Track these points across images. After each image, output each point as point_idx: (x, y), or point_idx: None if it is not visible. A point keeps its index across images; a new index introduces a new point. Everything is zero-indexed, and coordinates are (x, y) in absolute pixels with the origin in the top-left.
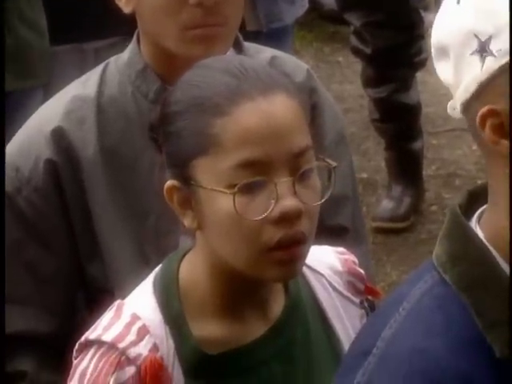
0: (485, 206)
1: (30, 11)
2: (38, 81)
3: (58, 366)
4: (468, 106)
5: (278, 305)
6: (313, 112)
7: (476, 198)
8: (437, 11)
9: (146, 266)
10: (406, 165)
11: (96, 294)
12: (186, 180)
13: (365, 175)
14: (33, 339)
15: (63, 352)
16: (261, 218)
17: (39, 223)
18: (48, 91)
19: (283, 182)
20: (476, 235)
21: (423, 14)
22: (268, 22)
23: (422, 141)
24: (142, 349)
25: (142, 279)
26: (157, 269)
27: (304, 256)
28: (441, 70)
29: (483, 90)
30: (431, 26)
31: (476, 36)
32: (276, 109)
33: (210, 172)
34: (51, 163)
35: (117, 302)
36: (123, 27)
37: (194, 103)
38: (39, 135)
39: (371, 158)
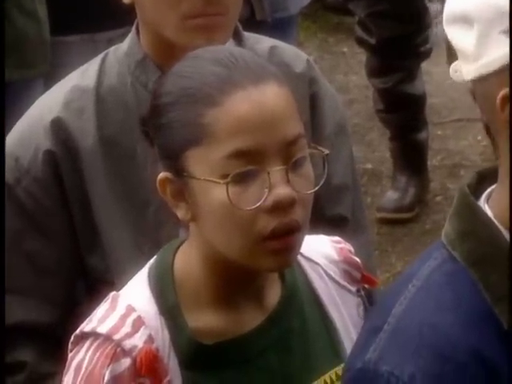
0: (493, 186)
1: (29, 1)
2: (37, 71)
3: (58, 356)
4: (486, 80)
5: (274, 294)
6: (312, 102)
7: (484, 178)
8: (442, 1)
9: (145, 256)
10: (410, 155)
11: (96, 285)
12: (179, 171)
13: (369, 166)
14: (33, 330)
15: (63, 343)
16: (254, 207)
17: (39, 214)
18: (54, 83)
19: (276, 171)
20: (484, 213)
21: (428, 4)
22: (273, 12)
23: (427, 131)
24: (138, 340)
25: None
26: (152, 260)
27: (299, 245)
28: (456, 36)
29: (505, 70)
30: (436, 17)
31: (508, 16)
32: (267, 98)
33: (202, 162)
34: (50, 154)
35: (111, 294)
36: (135, 17)
37: (185, 94)
38: (39, 125)
39: (376, 148)
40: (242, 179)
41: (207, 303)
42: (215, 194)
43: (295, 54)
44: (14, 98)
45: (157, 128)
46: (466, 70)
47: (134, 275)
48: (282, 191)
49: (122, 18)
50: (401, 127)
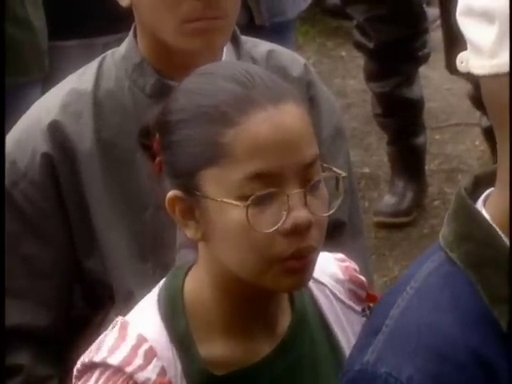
0: (491, 189)
1: (20, 9)
2: (30, 78)
3: (54, 359)
4: (496, 78)
5: (284, 319)
6: (309, 106)
7: (481, 182)
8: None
9: (143, 259)
10: (408, 160)
11: (93, 288)
12: (191, 190)
13: (367, 170)
14: (29, 333)
15: (59, 346)
16: (272, 230)
17: (36, 217)
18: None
19: (295, 194)
20: (482, 216)
21: (426, 8)
22: (270, 17)
23: (425, 136)
24: (151, 373)
25: (140, 274)
26: (160, 284)
27: (313, 265)
28: (472, 29)
29: None
30: (434, 21)
31: None
32: (287, 118)
33: (219, 183)
34: (48, 157)
35: (120, 320)
36: (132, 22)
37: (200, 112)
38: (36, 129)
39: (374, 152)
40: (260, 201)
41: (219, 330)
42: (232, 214)
43: (292, 58)
44: (8, 106)
45: (167, 145)
46: (477, 64)
47: (131, 279)
48: (300, 214)
49: (119, 23)
50: (399, 131)
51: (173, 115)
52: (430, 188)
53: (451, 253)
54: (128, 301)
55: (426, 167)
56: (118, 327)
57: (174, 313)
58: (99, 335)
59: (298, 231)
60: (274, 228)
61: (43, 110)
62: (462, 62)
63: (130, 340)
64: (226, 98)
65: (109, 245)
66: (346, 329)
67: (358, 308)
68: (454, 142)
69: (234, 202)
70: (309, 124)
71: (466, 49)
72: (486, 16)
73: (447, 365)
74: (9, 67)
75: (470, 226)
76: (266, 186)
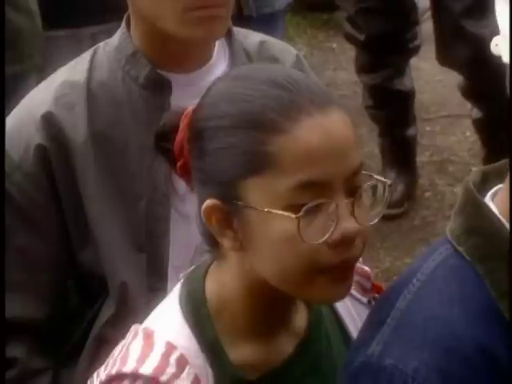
0: (500, 185)
1: None
2: (30, 65)
3: (49, 352)
4: None
5: (301, 317)
6: None
7: (490, 176)
8: None
9: (137, 250)
10: (399, 151)
11: (87, 280)
12: (230, 199)
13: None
14: (24, 326)
15: (54, 338)
16: (322, 241)
17: (29, 209)
18: (43, 77)
19: (344, 204)
20: (491, 210)
21: (417, 0)
22: (257, 8)
23: (416, 127)
24: (185, 381)
25: (134, 265)
26: (179, 289)
27: (353, 275)
28: (500, 12)
29: None
30: (425, 13)
31: None
32: (335, 126)
33: (264, 192)
34: (41, 148)
35: (141, 329)
36: (120, 12)
37: (245, 119)
38: (29, 120)
39: (365, 144)
40: (311, 212)
41: (243, 332)
42: (279, 225)
43: (284, 49)
44: (7, 93)
45: (201, 152)
46: (504, 50)
47: (124, 270)
48: (349, 225)
49: (107, 14)
50: (390, 123)
51: (211, 121)
52: (420, 179)
53: (459, 246)
54: (122, 293)
55: (417, 159)
56: (141, 336)
57: (200, 318)
58: (93, 328)
59: (346, 242)
60: (323, 239)
61: (35, 102)
62: (496, 45)
63: (159, 348)
64: (271, 105)
65: (103, 236)
66: (356, 320)
67: (364, 299)
68: (444, 134)
69: (282, 213)
70: (353, 130)
71: (456, 41)
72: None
73: (453, 358)
74: (12, 54)
75: (478, 219)
76: (316, 195)
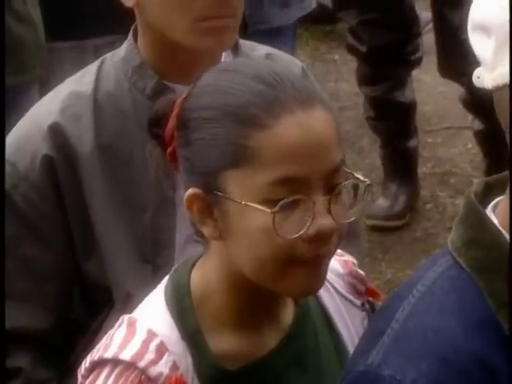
0: (501, 197)
1: (21, 6)
2: (32, 75)
3: (53, 363)
4: (500, 89)
5: (288, 312)
6: None
7: (491, 188)
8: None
9: (142, 262)
10: (401, 163)
11: (91, 291)
12: (211, 190)
13: (360, 173)
14: (28, 335)
15: (59, 349)
16: (297, 236)
17: (36, 219)
18: (47, 88)
19: (321, 201)
20: (492, 222)
21: (419, 12)
22: (253, 23)
23: (418, 139)
24: (163, 367)
25: (139, 276)
26: (165, 280)
27: (327, 269)
28: (477, 43)
29: None
30: (426, 24)
31: None
32: (316, 123)
33: (242, 185)
34: (48, 159)
35: (126, 318)
36: (124, 25)
37: (228, 111)
38: (36, 131)
39: (366, 156)
40: (287, 207)
41: (227, 325)
42: (255, 219)
43: (290, 61)
44: (8, 104)
45: (187, 141)
46: (486, 79)
47: (131, 282)
48: (325, 222)
49: (110, 26)
50: (391, 135)
51: (196, 112)
52: (422, 191)
53: (459, 257)
54: (127, 303)
55: (419, 170)
56: (125, 324)
57: (182, 309)
58: (98, 339)
59: (321, 238)
60: (299, 234)
61: (42, 112)
62: (478, 78)
63: (140, 335)
64: (254, 100)
65: (108, 247)
66: (347, 321)
67: (358, 302)
68: (446, 146)
69: (259, 207)
70: (336, 128)
71: (458, 53)
72: (485, 30)
73: (451, 370)
74: (14, 65)
75: (479, 231)
76: (293, 191)
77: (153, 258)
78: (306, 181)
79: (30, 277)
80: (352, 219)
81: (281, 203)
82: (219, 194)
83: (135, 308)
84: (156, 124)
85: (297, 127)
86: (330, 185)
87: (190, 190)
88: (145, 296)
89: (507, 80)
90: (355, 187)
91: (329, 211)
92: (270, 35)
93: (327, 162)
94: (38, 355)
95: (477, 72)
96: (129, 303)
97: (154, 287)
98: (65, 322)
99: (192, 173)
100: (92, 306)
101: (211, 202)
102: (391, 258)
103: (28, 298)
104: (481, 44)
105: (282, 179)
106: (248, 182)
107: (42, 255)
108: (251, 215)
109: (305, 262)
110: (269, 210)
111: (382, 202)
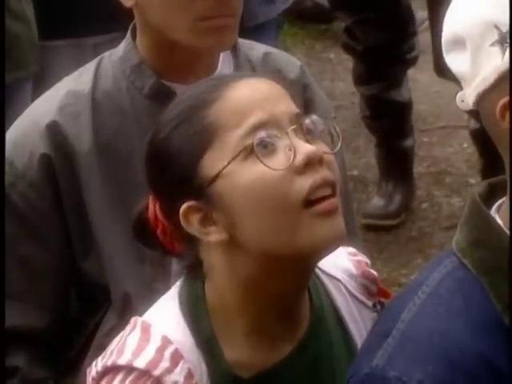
0: (505, 198)
1: (16, 4)
2: (27, 72)
3: (50, 362)
4: (485, 97)
5: (303, 317)
6: (306, 108)
7: (496, 189)
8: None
9: (140, 261)
10: (396, 162)
11: (89, 290)
12: (199, 188)
13: (355, 172)
14: (25, 335)
15: (56, 348)
16: (286, 167)
17: (33, 218)
18: (45, 86)
19: (294, 130)
20: (496, 223)
21: (415, 11)
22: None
23: (413, 138)
24: (178, 376)
25: (137, 275)
26: (180, 284)
27: (341, 212)
28: (454, 62)
29: (503, 81)
30: (422, 23)
31: (496, 27)
32: (262, 82)
33: (220, 156)
34: (46, 158)
35: (139, 321)
36: (122, 23)
37: (186, 111)
38: (34, 130)
39: (362, 155)
40: (265, 146)
41: (241, 331)
42: (244, 174)
43: (288, 61)
44: (5, 101)
45: (163, 161)
46: (468, 95)
47: (127, 280)
48: (308, 147)
49: (109, 24)
50: (387, 134)
51: (166, 128)
52: (418, 190)
53: (464, 259)
54: (124, 302)
55: (414, 170)
56: (139, 328)
57: (197, 315)
58: (95, 338)
59: (312, 164)
60: (288, 164)
61: (40, 111)
62: (462, 101)
63: (155, 342)
64: (203, 89)
65: (106, 246)
66: (359, 324)
67: (369, 303)
68: (442, 145)
69: (240, 151)
70: (287, 94)
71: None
72: (458, 42)
73: (457, 371)
74: (9, 62)
75: (483, 232)
76: (265, 133)
77: (150, 258)
78: (274, 120)
79: (27, 276)
80: (335, 150)
81: (255, 140)
82: (205, 185)
83: (133, 308)
84: (141, 232)
85: (245, 85)
86: (300, 123)
87: (184, 206)
88: (143, 295)
89: (487, 83)
90: (331, 135)
91: (307, 142)
92: (255, 31)
93: (286, 106)
94: (34, 354)
95: (460, 96)
96: (126, 303)
97: (152, 287)
98: (62, 320)
99: (177, 189)
100: (89, 304)
101: (207, 206)
102: (386, 257)
103: (25, 296)
104: (457, 61)
105: (250, 129)
106: (223, 150)
107: (39, 254)
108: (240, 175)
109: (313, 202)
110: (250, 141)
111: (378, 201)
